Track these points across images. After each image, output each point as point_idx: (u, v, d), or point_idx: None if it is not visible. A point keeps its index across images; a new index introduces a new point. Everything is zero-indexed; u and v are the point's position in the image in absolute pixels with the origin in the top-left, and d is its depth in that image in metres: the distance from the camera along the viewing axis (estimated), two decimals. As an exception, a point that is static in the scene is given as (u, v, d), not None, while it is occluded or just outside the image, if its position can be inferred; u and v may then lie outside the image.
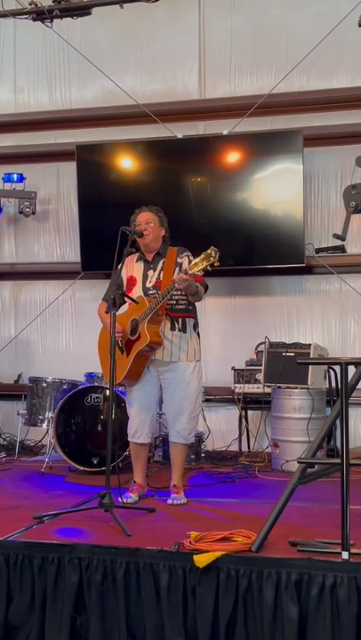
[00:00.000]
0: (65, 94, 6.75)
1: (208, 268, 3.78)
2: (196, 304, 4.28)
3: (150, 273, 4.23)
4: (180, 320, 4.17)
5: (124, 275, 4.27)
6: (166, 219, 4.35)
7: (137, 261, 4.30)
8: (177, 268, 4.17)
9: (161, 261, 4.24)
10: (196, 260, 3.84)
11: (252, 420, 6.08)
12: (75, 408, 5.18)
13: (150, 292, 4.16)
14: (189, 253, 4.25)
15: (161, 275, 4.18)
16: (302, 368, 5.18)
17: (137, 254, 4.32)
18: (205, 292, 4.19)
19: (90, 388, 5.19)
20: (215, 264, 3.77)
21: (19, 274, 6.89)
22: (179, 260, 4.22)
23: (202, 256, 3.80)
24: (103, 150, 6.39)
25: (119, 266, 4.16)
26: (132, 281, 4.25)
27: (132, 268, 4.29)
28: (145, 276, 4.23)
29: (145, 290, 4.18)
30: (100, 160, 6.35)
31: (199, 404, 4.28)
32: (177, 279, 3.88)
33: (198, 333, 4.30)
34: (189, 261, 4.17)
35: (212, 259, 3.76)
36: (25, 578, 3.11)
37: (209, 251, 3.78)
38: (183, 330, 4.17)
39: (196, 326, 4.28)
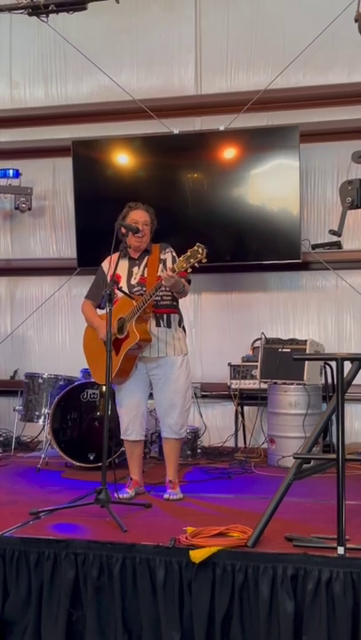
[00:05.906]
0: (61, 89, 6.73)
1: (195, 264, 3.76)
2: (187, 300, 4.26)
3: (135, 270, 4.21)
4: (164, 316, 4.16)
5: (107, 273, 4.21)
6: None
7: (122, 259, 4.22)
8: (160, 265, 4.16)
9: (145, 258, 4.23)
10: (182, 257, 3.82)
11: (248, 416, 6.08)
12: (71, 404, 5.19)
13: (135, 290, 4.14)
14: (172, 249, 4.24)
15: (145, 271, 4.17)
16: (298, 364, 5.18)
17: (120, 252, 4.23)
18: (189, 285, 4.14)
19: (86, 384, 5.19)
20: (203, 261, 3.74)
21: (14, 270, 6.87)
22: (162, 256, 4.21)
23: (188, 253, 3.78)
24: (99, 146, 6.37)
25: (103, 263, 4.13)
26: (116, 279, 4.22)
27: (114, 266, 4.23)
28: (130, 273, 4.21)
29: (129, 287, 4.16)
30: (97, 156, 6.34)
31: (189, 398, 4.27)
32: (164, 277, 3.85)
33: (184, 328, 4.30)
34: (173, 257, 4.17)
35: (199, 255, 3.73)
36: (21, 573, 3.12)
37: (195, 247, 3.75)
38: (168, 325, 4.16)
39: (180, 322, 4.27)
